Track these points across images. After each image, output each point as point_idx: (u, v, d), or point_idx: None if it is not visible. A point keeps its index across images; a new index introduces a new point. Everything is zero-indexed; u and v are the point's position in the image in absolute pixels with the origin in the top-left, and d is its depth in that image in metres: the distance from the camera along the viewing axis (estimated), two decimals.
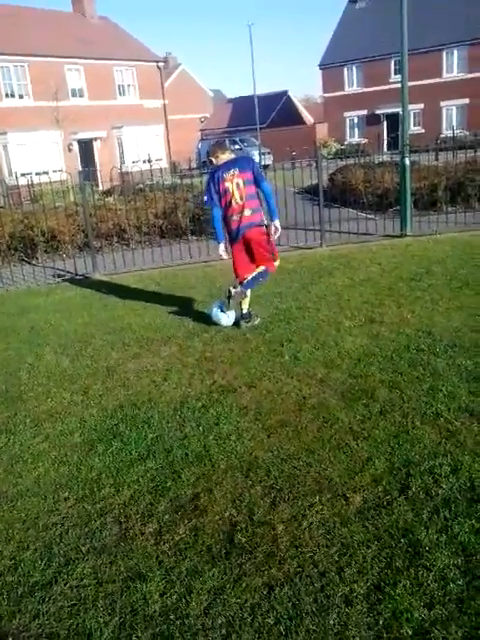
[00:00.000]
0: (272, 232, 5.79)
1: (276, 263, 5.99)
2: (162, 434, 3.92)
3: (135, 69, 33.26)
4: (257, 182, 5.66)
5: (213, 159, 5.83)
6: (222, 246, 5.96)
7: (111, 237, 11.67)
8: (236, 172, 5.60)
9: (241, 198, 5.60)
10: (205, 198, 5.90)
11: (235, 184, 5.58)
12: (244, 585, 2.55)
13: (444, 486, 3.05)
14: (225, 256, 6.02)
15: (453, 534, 2.70)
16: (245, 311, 6.06)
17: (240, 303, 6.00)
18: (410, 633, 2.23)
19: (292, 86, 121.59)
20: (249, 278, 5.87)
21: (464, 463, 3.23)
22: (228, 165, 5.69)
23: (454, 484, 3.06)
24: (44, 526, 3.10)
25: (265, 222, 5.85)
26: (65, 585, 2.67)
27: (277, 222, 5.82)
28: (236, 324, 6.00)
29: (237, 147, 35.73)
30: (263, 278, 6.03)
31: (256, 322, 6.00)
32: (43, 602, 2.58)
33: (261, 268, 5.89)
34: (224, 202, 5.69)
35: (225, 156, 5.79)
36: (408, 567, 2.54)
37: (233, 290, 5.83)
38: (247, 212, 5.63)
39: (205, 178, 5.93)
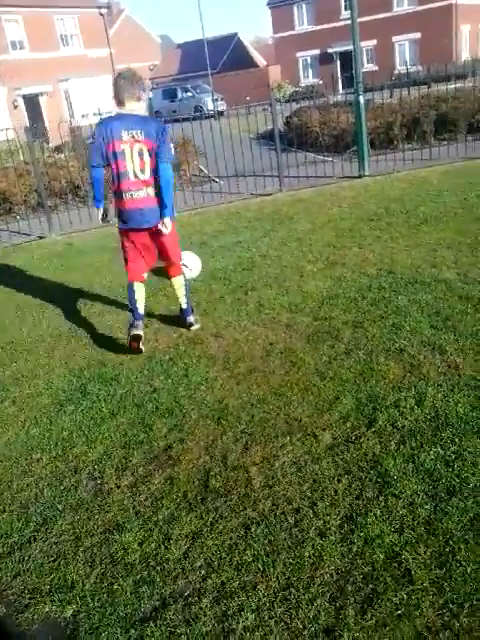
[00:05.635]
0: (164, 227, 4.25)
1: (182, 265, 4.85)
2: (131, 389, 3.92)
3: (77, 17, 31.70)
4: (158, 157, 4.08)
5: (115, 102, 4.18)
6: (102, 212, 4.54)
7: (65, 195, 11.35)
8: (140, 136, 4.05)
9: (142, 171, 4.12)
10: (92, 155, 4.27)
11: (137, 151, 4.07)
12: (221, 527, 2.61)
13: (409, 417, 3.14)
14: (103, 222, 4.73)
15: (420, 462, 2.80)
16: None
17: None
18: (382, 557, 2.32)
19: (242, 28, 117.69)
20: (184, 295, 4.71)
21: (428, 394, 3.32)
22: (131, 121, 4.08)
23: (419, 415, 3.15)
24: (19, 488, 3.10)
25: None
26: (44, 543, 2.69)
27: (168, 219, 4.23)
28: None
29: (189, 94, 34.78)
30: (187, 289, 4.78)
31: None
32: (23, 560, 2.61)
33: (180, 280, 4.73)
34: (115, 169, 4.14)
35: (131, 104, 4.13)
36: (378, 496, 2.63)
37: (193, 323, 4.74)
38: (151, 191, 4.18)
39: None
